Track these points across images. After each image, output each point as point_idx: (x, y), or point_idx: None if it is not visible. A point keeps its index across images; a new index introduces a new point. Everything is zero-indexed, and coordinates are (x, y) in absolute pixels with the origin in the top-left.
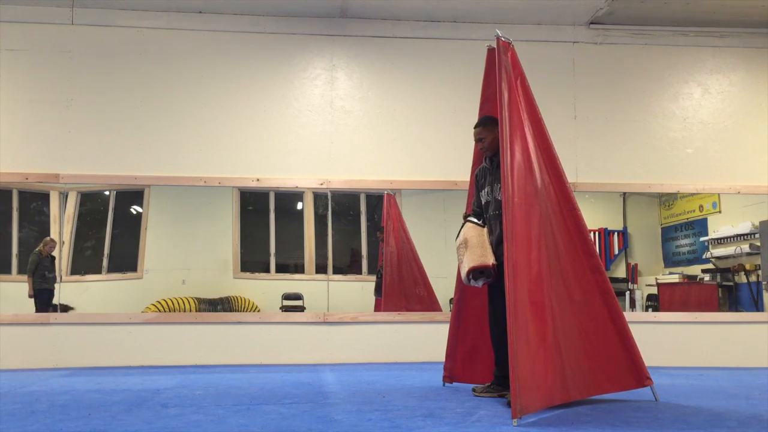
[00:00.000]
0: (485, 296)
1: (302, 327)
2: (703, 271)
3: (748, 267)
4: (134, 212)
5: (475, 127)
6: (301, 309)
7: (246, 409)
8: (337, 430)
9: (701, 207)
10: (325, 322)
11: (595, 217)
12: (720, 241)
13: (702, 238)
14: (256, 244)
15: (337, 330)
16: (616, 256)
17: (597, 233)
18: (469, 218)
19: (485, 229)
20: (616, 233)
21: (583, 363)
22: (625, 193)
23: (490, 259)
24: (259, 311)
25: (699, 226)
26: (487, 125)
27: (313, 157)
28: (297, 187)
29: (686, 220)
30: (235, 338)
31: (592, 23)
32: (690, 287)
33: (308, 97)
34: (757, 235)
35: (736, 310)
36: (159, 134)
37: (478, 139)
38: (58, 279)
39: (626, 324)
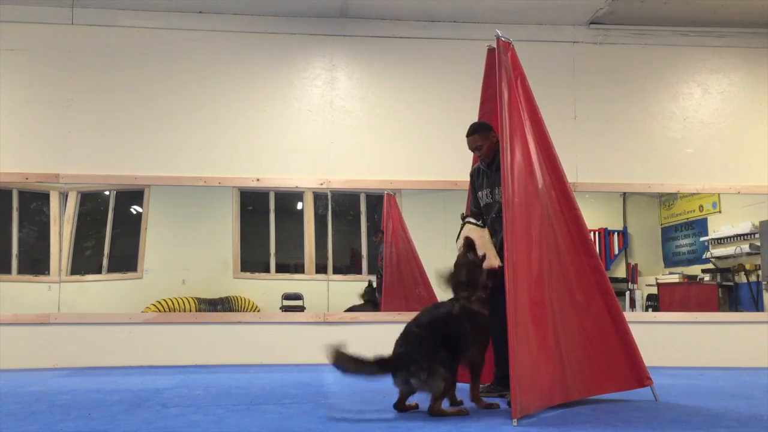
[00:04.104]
0: None
1: (302, 327)
2: (703, 271)
3: (748, 267)
4: (134, 212)
5: (468, 136)
6: (301, 309)
7: (246, 409)
8: (337, 430)
9: (701, 207)
10: (325, 322)
11: (595, 217)
12: (720, 241)
13: (702, 238)
14: (256, 244)
15: (337, 330)
16: (616, 256)
17: (597, 233)
18: (468, 219)
19: (486, 230)
20: (616, 233)
21: (584, 363)
22: (625, 193)
23: (496, 261)
24: (259, 311)
25: (699, 226)
26: (481, 132)
27: (313, 157)
28: (297, 187)
29: (686, 220)
30: (235, 338)
31: (592, 23)
32: (690, 287)
33: (308, 97)
34: (757, 235)
35: (736, 310)
36: (159, 134)
37: (475, 148)
38: (58, 279)
39: (626, 324)
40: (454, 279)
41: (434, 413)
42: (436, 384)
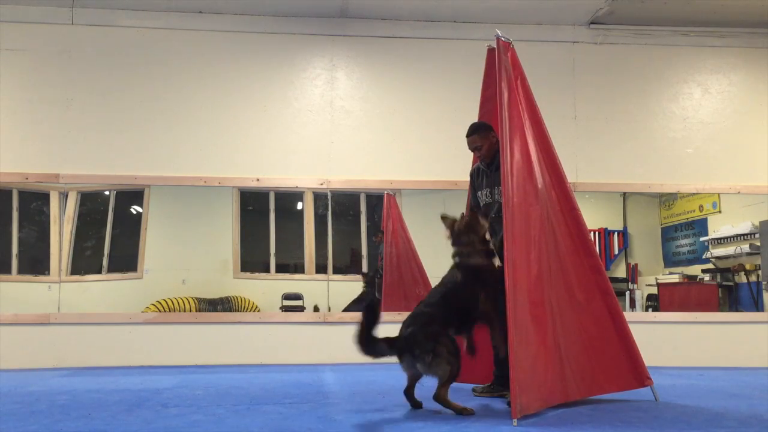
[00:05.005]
0: None
1: (302, 327)
2: (703, 271)
3: (748, 267)
4: (134, 212)
5: (468, 136)
6: (301, 309)
7: (246, 409)
8: (337, 430)
9: (701, 207)
10: (325, 322)
11: (595, 217)
12: (720, 241)
13: (702, 238)
14: (256, 244)
15: (337, 330)
16: (616, 256)
17: (597, 233)
18: None
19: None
20: (616, 233)
21: (584, 363)
22: (625, 193)
23: (496, 261)
24: (259, 311)
25: (699, 226)
26: (481, 132)
27: (313, 157)
28: (297, 187)
29: (686, 220)
30: (235, 338)
31: (592, 23)
32: (690, 287)
33: (308, 97)
34: (757, 235)
35: (736, 310)
36: (159, 134)
37: (474, 148)
38: (58, 279)
39: (626, 324)
40: (454, 229)
41: (439, 399)
42: (441, 368)
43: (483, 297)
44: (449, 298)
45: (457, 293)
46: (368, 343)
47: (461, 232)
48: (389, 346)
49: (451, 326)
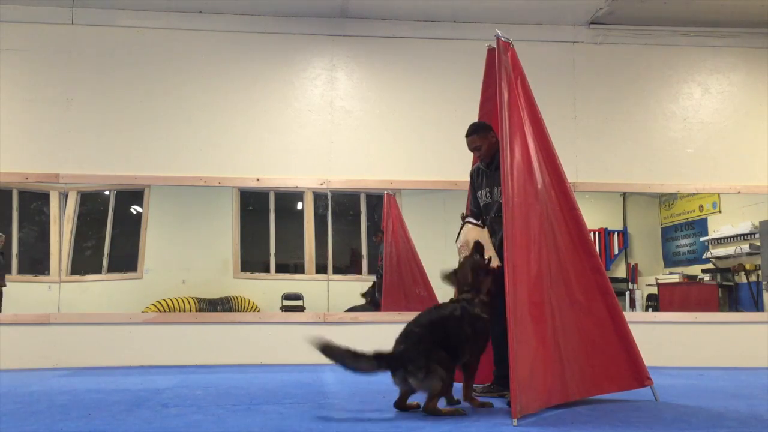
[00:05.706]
0: None
1: (302, 327)
2: (703, 271)
3: (748, 267)
4: (134, 212)
5: (467, 136)
6: (301, 309)
7: (246, 409)
8: (337, 430)
9: (701, 207)
10: (325, 322)
11: (595, 217)
12: (720, 241)
13: (702, 238)
14: (256, 244)
15: (337, 330)
16: (616, 256)
17: (597, 233)
18: (467, 219)
19: (486, 230)
20: (616, 233)
21: (584, 363)
22: (625, 193)
23: (495, 261)
24: (259, 311)
25: (699, 226)
26: (481, 132)
27: (313, 157)
28: (297, 187)
29: (686, 220)
30: (235, 338)
31: (592, 23)
32: (690, 287)
33: (308, 97)
34: (757, 235)
35: (736, 310)
36: (159, 134)
37: (474, 148)
38: (58, 279)
39: (626, 324)
40: (458, 279)
41: (429, 411)
42: (434, 384)
43: (471, 346)
44: (439, 326)
45: (449, 325)
46: (355, 358)
47: (465, 286)
48: (378, 361)
49: (440, 349)
